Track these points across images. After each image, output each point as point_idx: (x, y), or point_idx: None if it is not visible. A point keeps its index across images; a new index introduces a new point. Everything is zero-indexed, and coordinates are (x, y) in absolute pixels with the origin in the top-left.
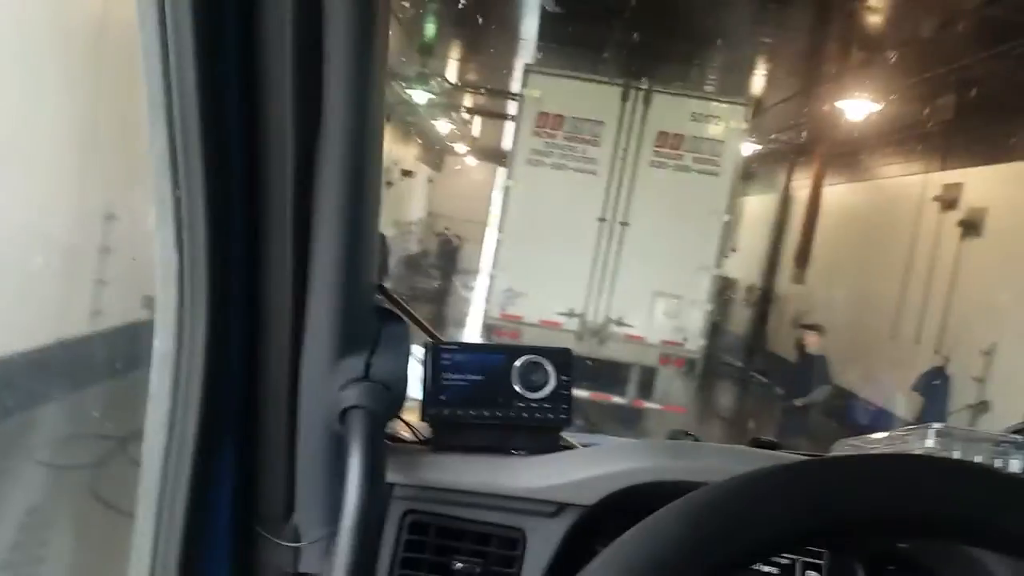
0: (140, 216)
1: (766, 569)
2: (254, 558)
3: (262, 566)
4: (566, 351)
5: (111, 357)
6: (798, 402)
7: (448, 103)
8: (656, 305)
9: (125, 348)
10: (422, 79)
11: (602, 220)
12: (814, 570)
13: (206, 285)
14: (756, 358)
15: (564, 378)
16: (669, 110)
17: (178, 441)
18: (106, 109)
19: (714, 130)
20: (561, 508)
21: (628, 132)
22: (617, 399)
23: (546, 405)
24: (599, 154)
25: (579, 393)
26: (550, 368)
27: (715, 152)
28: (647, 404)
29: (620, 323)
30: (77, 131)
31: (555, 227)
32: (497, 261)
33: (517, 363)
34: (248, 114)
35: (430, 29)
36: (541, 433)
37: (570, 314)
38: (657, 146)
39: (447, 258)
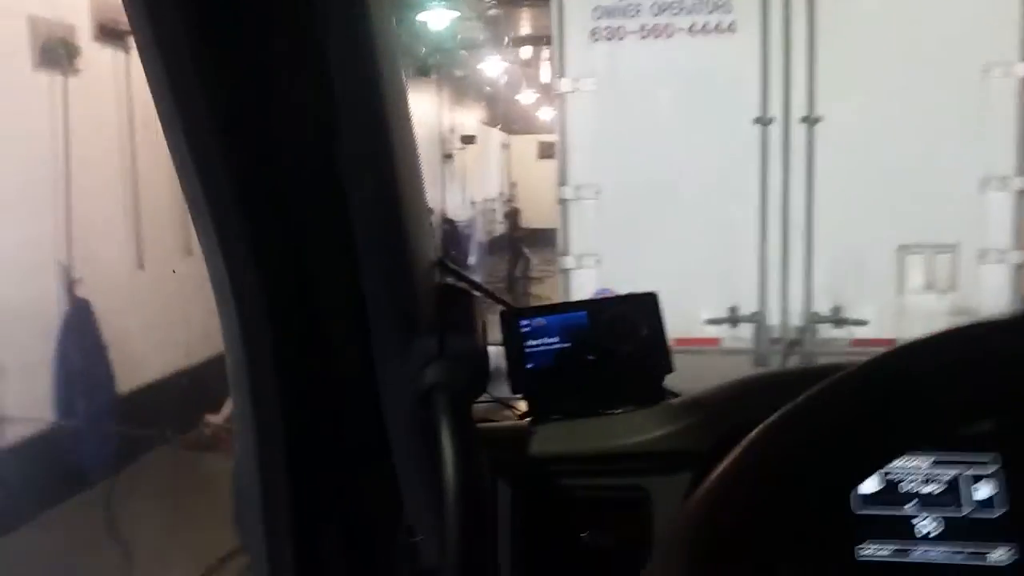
0: None
1: (926, 489)
2: (373, 564)
3: (382, 570)
4: (651, 294)
5: None
6: None
7: (493, 32)
8: (908, 271)
9: None
10: None
11: (763, 121)
12: (983, 481)
13: (266, 295)
14: None
15: (655, 322)
16: None
17: (271, 458)
18: None
19: None
20: (678, 457)
21: None
22: None
23: (641, 355)
24: None
25: None
26: (638, 315)
27: None
28: None
29: (839, 320)
30: None
31: (669, 154)
32: (569, 242)
33: (602, 316)
34: (259, 111)
35: None
36: (642, 385)
37: (734, 319)
38: None
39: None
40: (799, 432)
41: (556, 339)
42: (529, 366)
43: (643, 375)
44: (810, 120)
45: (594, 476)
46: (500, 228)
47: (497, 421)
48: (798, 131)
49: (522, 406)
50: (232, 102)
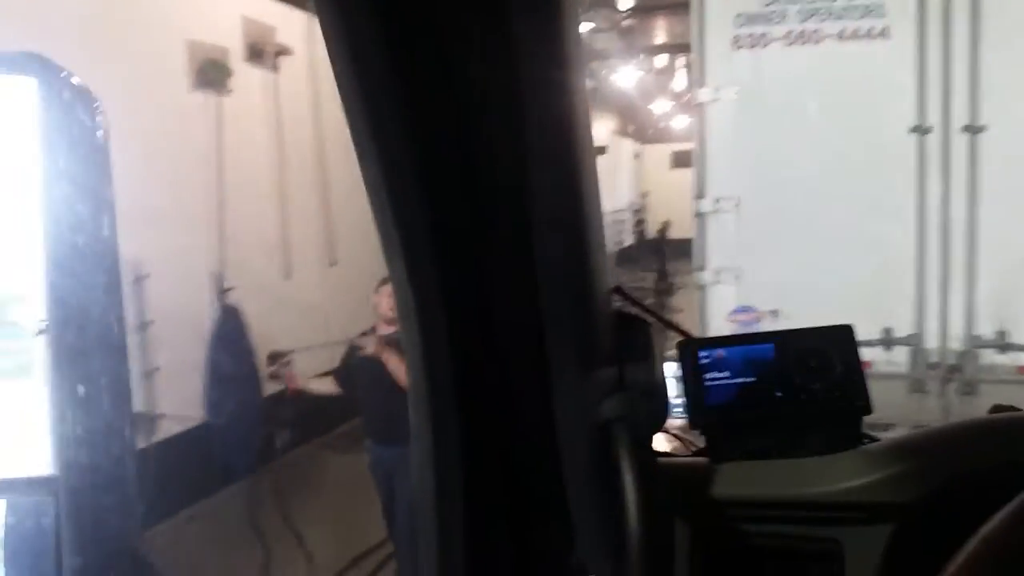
0: None
1: None
2: None
3: None
4: (846, 327)
5: None
6: None
7: (627, 42)
8: None
9: None
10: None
11: (921, 131)
12: None
13: (449, 324)
14: None
15: (851, 357)
16: None
17: (449, 484)
18: None
19: None
20: (878, 510)
21: None
22: None
23: (835, 393)
24: None
25: None
26: (831, 348)
27: None
28: None
29: (1004, 345)
30: None
31: (817, 166)
32: (707, 256)
33: (790, 349)
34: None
35: None
36: (836, 427)
37: (887, 341)
38: None
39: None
40: None
41: (739, 373)
42: (709, 401)
43: (837, 416)
44: (973, 129)
45: (782, 523)
46: (628, 239)
47: (674, 455)
48: (959, 141)
49: (698, 441)
50: (429, 145)
